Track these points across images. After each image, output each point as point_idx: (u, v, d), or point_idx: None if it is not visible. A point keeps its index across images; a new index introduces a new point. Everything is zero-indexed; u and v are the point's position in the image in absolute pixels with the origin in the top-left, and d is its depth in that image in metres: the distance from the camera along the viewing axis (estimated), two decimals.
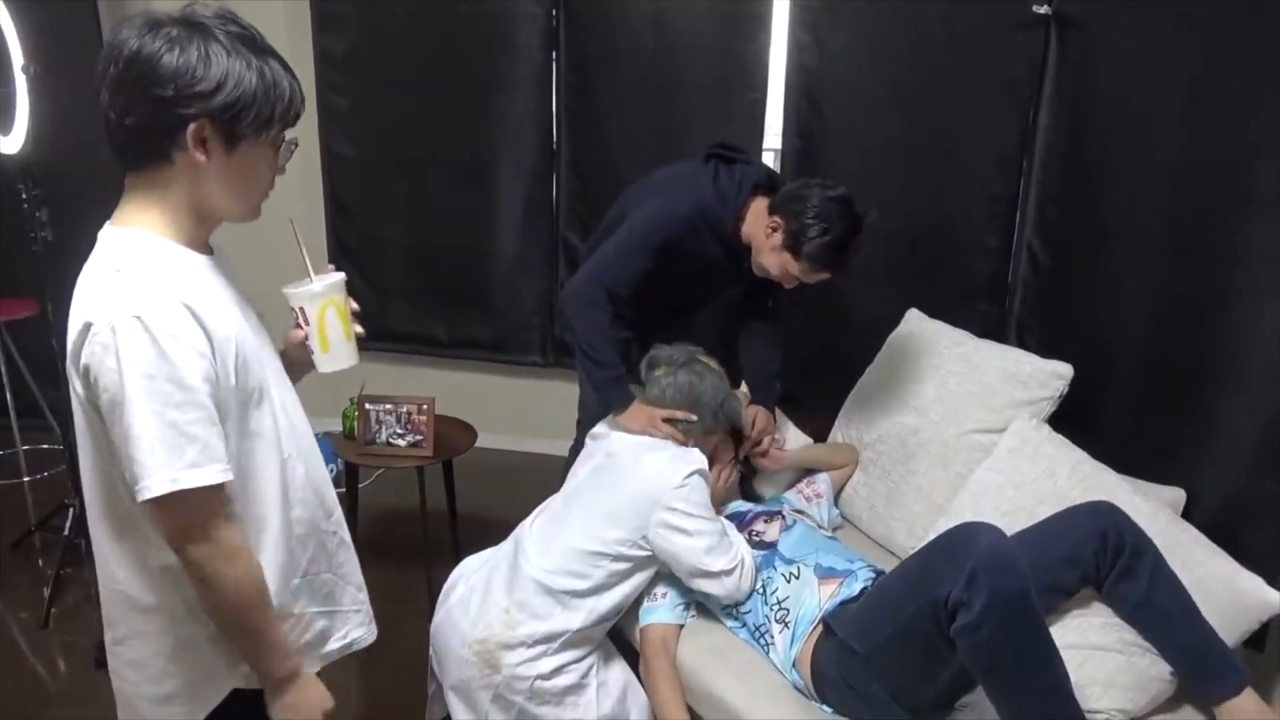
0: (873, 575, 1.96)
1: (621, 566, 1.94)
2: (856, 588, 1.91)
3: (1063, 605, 1.85)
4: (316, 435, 1.34)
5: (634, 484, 1.98)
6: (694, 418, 2.06)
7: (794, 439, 2.58)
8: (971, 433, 2.29)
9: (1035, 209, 2.79)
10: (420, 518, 2.68)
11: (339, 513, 1.37)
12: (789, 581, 1.98)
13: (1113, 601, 1.83)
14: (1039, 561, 1.82)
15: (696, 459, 1.99)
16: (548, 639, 1.89)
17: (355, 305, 1.35)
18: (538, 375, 3.77)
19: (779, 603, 1.96)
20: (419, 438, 2.57)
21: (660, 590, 2.07)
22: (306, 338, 1.31)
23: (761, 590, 2.01)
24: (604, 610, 1.95)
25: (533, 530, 2.06)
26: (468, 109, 3.46)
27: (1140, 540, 1.81)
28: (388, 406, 2.56)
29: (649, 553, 1.95)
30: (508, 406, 3.82)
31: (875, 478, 2.46)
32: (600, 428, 2.19)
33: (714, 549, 1.94)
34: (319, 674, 1.32)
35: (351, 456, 2.60)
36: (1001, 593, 1.45)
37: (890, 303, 2.72)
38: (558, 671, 1.90)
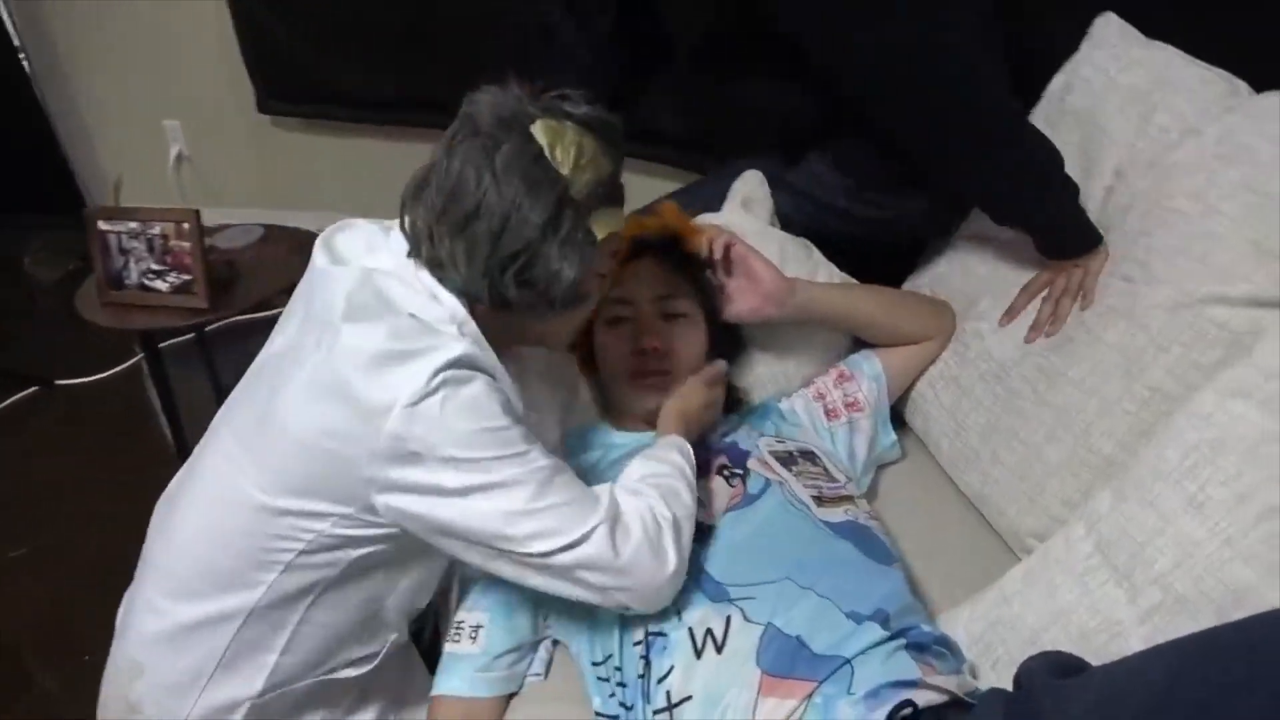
0: (885, 680, 0.81)
1: (314, 560, 0.90)
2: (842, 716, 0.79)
3: None
4: None
5: (296, 400, 0.88)
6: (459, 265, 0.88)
7: (824, 275, 1.35)
8: (1206, 303, 0.99)
9: None
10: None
11: None
12: (699, 653, 0.88)
13: None
14: None
15: (445, 345, 0.84)
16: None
17: None
18: None
19: (670, 706, 0.87)
20: (185, 277, 1.55)
21: (472, 621, 1.03)
22: None
23: (644, 654, 0.93)
24: (306, 652, 0.95)
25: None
26: None
27: None
28: (132, 226, 1.53)
29: (385, 529, 0.90)
30: None
31: (976, 376, 1.22)
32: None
33: (531, 512, 0.85)
34: None
35: (94, 312, 1.61)
36: None
37: None
38: None
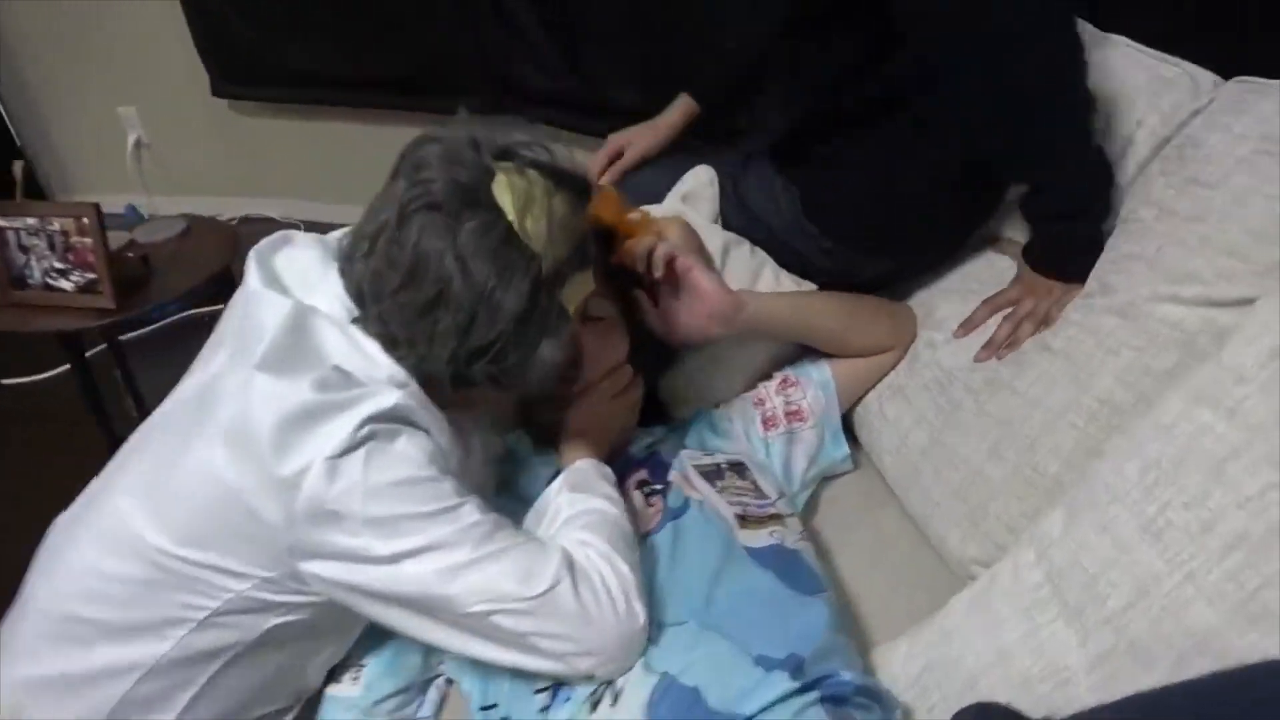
0: None
1: (229, 620, 0.79)
2: None
3: None
4: None
5: (211, 450, 0.76)
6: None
7: (768, 282, 1.23)
8: (1158, 303, 0.89)
9: None
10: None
11: None
12: (595, 706, 0.78)
13: None
14: None
15: (375, 395, 0.75)
16: None
17: None
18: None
19: None
20: (89, 276, 1.45)
21: (355, 659, 0.93)
22: None
23: (546, 705, 0.83)
24: (209, 715, 0.84)
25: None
26: None
27: None
28: (30, 222, 1.43)
29: (311, 596, 0.80)
30: None
31: (920, 386, 1.11)
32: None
33: (471, 565, 0.75)
34: None
35: None
36: None
37: None
38: None
